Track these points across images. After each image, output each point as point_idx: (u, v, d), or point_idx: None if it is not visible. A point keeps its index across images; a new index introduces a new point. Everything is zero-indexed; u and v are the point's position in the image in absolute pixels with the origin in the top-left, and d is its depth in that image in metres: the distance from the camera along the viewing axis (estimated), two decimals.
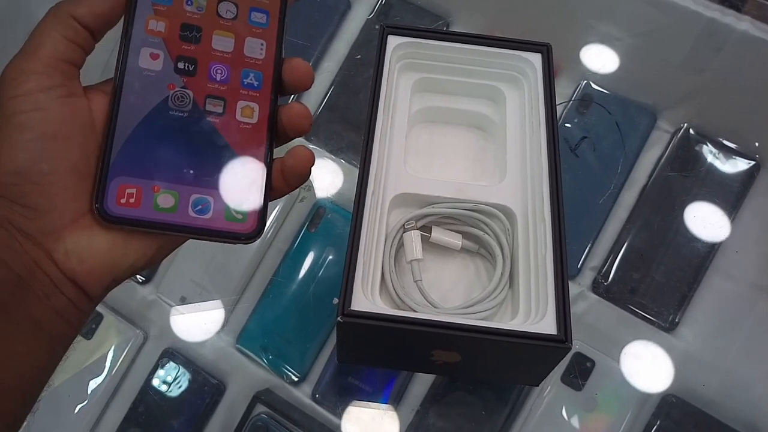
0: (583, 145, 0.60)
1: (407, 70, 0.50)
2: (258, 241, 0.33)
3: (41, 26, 0.31)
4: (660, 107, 0.68)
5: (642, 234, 0.60)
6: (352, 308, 0.38)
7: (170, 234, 0.32)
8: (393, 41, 0.49)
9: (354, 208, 0.42)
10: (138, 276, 0.65)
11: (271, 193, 0.33)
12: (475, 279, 0.46)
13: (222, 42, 0.34)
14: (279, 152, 0.35)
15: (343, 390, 0.60)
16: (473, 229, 0.46)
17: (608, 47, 0.73)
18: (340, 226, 0.68)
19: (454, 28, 0.77)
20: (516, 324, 0.40)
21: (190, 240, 0.34)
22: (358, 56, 0.75)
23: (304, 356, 0.61)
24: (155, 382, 0.62)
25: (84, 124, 0.31)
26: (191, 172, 0.32)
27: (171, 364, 0.62)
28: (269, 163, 0.33)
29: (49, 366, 0.31)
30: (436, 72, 0.51)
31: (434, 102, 0.51)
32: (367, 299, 0.39)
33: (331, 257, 0.67)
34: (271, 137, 0.34)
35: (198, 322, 0.64)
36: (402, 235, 0.45)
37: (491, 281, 0.43)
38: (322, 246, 0.68)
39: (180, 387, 0.61)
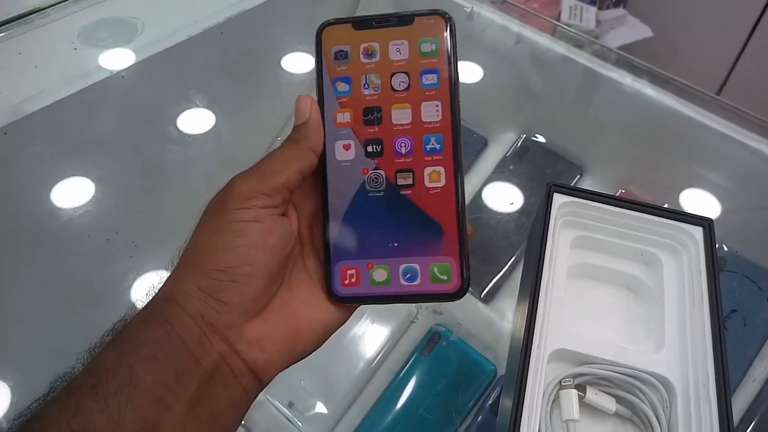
0: (732, 318, 0.60)
1: (567, 227, 0.52)
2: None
3: (282, 155, 0.35)
4: None
5: None
6: None
7: (387, 303, 0.35)
8: (558, 199, 0.51)
9: (520, 360, 0.43)
10: None
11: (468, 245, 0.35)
12: None
13: (401, 115, 0.36)
14: None
15: None
16: (628, 395, 0.46)
17: (740, 211, 0.74)
18: (453, 356, 0.69)
19: (587, 179, 0.80)
20: None
21: None
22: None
23: None
24: None
25: (286, 235, 0.34)
26: (396, 244, 0.35)
27: None
28: (462, 219, 0.35)
29: None
30: (595, 231, 0.52)
31: (590, 259, 0.53)
32: None
33: (440, 385, 0.67)
34: (460, 195, 0.35)
35: (302, 430, 0.65)
36: (558, 392, 0.45)
37: None
38: (433, 372, 0.68)
39: None
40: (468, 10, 0.80)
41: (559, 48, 0.78)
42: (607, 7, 1.75)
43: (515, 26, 0.80)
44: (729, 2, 1.83)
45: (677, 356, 0.46)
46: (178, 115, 0.74)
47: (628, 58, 0.78)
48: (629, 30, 1.71)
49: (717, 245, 0.72)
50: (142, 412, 0.29)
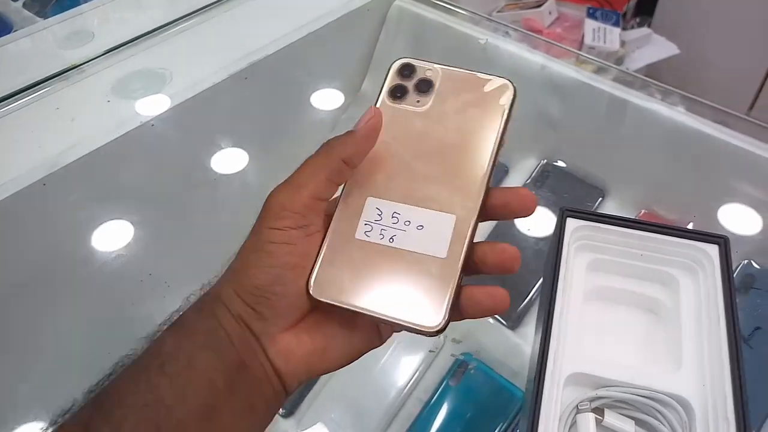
0: (756, 336, 0.59)
1: (583, 251, 0.53)
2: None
3: (311, 164, 0.35)
4: None
5: None
6: None
7: (366, 317, 0.35)
8: (572, 224, 0.52)
9: (534, 385, 0.43)
10: (281, 409, 0.69)
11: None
12: None
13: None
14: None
15: None
16: (647, 417, 0.46)
17: None
18: (482, 383, 0.69)
19: (609, 201, 0.80)
20: None
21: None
22: None
23: None
24: None
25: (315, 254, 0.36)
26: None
27: None
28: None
29: None
30: (611, 254, 0.53)
31: (606, 282, 0.53)
32: None
33: (469, 414, 0.67)
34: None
35: None
36: (576, 416, 0.45)
37: None
38: (461, 401, 0.68)
39: None
40: (483, 42, 0.82)
41: (576, 74, 0.79)
42: (632, 27, 1.75)
43: (533, 56, 0.82)
44: (756, 16, 1.81)
45: (695, 376, 0.46)
46: (207, 158, 0.78)
47: (644, 80, 0.78)
48: (655, 48, 1.70)
49: (746, 262, 0.72)
50: (199, 392, 0.32)
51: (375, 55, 0.93)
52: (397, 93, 0.38)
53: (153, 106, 0.71)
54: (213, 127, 0.77)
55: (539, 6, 1.74)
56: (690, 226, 0.77)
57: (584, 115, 0.81)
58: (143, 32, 0.80)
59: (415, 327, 0.33)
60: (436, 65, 0.39)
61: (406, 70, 0.39)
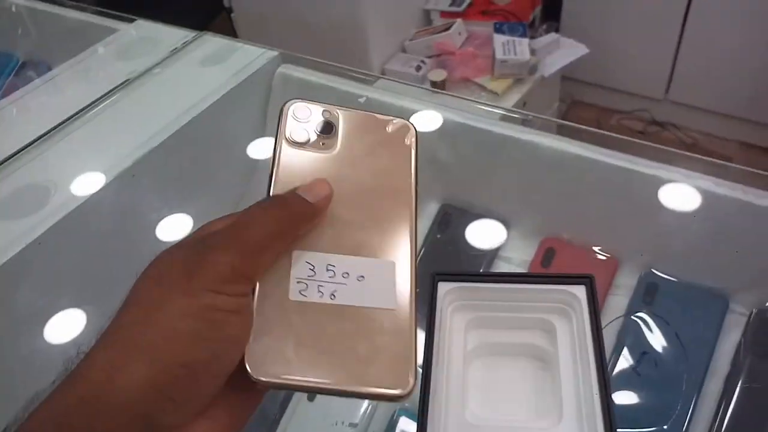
0: (644, 361, 0.60)
1: (460, 311, 0.54)
2: None
3: (273, 226, 0.31)
4: (731, 290, 0.68)
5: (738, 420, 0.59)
6: None
7: (326, 395, 0.30)
8: (443, 287, 0.53)
9: None
10: None
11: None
12: None
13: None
14: None
15: None
16: None
17: (671, 235, 0.75)
18: None
19: (513, 233, 0.81)
20: None
21: None
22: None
23: None
24: None
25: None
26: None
27: None
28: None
29: None
30: (487, 310, 0.53)
31: (489, 338, 0.53)
32: None
33: None
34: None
35: None
36: None
37: None
38: None
39: None
40: (361, 101, 0.83)
41: (460, 118, 0.80)
42: (540, 35, 1.79)
43: (420, 105, 0.83)
44: (655, 6, 1.86)
45: (574, 427, 0.46)
46: (100, 268, 0.77)
47: (524, 113, 0.81)
48: (565, 52, 1.74)
49: (647, 271, 0.74)
50: None
51: (267, 124, 0.93)
52: (299, 137, 0.35)
53: (39, 223, 0.70)
54: (105, 233, 0.77)
55: (448, 29, 1.77)
56: (597, 249, 0.79)
57: (474, 156, 0.83)
58: (24, 144, 0.80)
59: (383, 395, 0.29)
60: (330, 106, 0.37)
61: (302, 112, 0.36)
